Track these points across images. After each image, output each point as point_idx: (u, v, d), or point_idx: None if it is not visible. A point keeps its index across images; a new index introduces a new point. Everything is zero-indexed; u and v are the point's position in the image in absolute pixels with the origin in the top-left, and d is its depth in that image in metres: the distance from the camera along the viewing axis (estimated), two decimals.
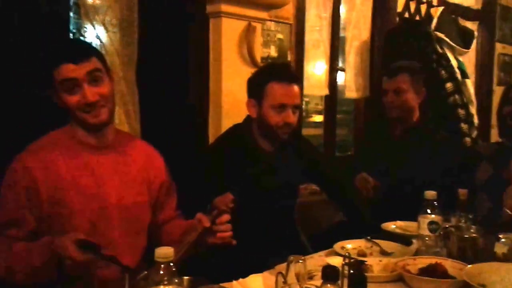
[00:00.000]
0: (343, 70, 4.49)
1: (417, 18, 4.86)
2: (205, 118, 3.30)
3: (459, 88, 4.62)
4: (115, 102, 2.07)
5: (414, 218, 2.23)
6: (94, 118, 1.94)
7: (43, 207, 1.89)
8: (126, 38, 3.07)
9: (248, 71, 2.85)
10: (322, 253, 2.28)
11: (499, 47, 6.05)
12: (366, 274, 1.71)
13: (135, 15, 3.08)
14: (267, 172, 2.56)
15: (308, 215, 3.37)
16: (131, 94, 3.08)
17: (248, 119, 2.61)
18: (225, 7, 3.17)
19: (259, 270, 1.97)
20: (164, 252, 1.32)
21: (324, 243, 2.35)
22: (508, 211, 2.40)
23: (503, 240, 2.03)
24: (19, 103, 2.61)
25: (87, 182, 1.95)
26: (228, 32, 3.24)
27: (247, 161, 2.51)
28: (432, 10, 4.93)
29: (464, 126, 4.63)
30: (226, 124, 2.99)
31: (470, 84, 4.93)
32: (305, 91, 3.98)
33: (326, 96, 4.38)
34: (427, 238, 2.13)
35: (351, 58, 4.51)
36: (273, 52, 3.73)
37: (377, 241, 2.35)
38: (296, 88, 2.51)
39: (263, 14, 3.40)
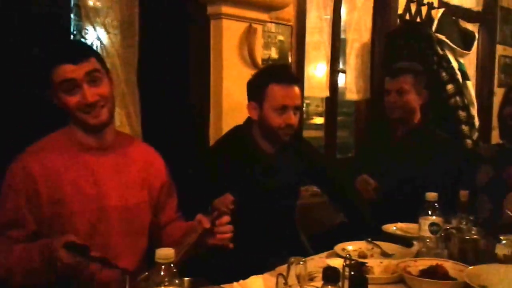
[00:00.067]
0: (343, 72, 4.49)
1: (418, 20, 4.85)
2: (205, 120, 3.30)
3: (460, 90, 4.62)
4: (114, 102, 2.07)
5: (415, 220, 2.23)
6: (94, 118, 1.94)
7: (43, 208, 1.89)
8: (127, 39, 3.08)
9: (248, 73, 2.85)
10: (322, 254, 2.28)
11: (500, 49, 6.05)
12: (366, 275, 1.71)
13: (136, 16, 3.09)
14: (268, 173, 2.56)
15: (309, 216, 3.37)
16: (132, 95, 3.09)
17: (248, 120, 2.61)
18: (225, 9, 3.17)
19: (259, 271, 1.96)
20: (165, 253, 1.32)
21: (325, 244, 2.35)
22: (509, 212, 2.40)
23: (504, 241, 2.03)
24: (20, 104, 2.61)
25: (87, 183, 1.95)
26: (228, 33, 3.24)
27: (248, 162, 2.51)
28: (433, 12, 4.93)
29: (465, 128, 4.63)
30: (227, 125, 2.99)
31: (471, 86, 4.94)
32: (306, 93, 3.98)
33: (326, 98, 4.38)
34: (428, 240, 2.13)
35: (352, 60, 4.51)
36: (273, 53, 3.73)
37: (378, 242, 2.34)
38: (296, 89, 2.51)
39: (264, 16, 3.40)
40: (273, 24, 3.70)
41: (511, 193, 2.54)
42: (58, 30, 2.82)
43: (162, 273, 1.31)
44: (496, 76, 6.04)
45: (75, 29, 2.95)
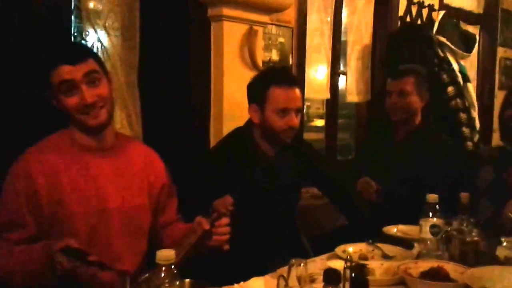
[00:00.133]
0: (344, 74, 4.49)
1: (419, 22, 4.86)
2: (206, 121, 3.30)
3: (461, 92, 4.62)
4: (113, 103, 2.07)
5: (415, 222, 2.23)
6: (93, 119, 1.94)
7: (43, 210, 1.89)
8: (128, 42, 3.08)
9: (249, 75, 2.85)
10: (323, 256, 2.28)
11: (501, 51, 6.05)
12: (367, 277, 1.71)
13: (137, 19, 3.09)
14: (268, 175, 2.56)
15: (310, 218, 3.37)
16: (132, 97, 3.09)
17: (249, 122, 2.61)
18: (226, 11, 3.17)
19: (260, 273, 1.97)
20: (166, 254, 1.32)
21: (326, 246, 2.35)
22: (510, 214, 2.39)
23: (504, 243, 2.03)
24: (20, 105, 2.61)
25: (86, 185, 1.95)
26: (229, 35, 3.24)
27: (248, 164, 2.51)
28: (434, 14, 4.94)
29: (465, 130, 4.63)
30: (228, 127, 2.99)
31: (471, 88, 4.94)
32: (307, 95, 3.98)
33: (327, 100, 4.38)
34: (428, 242, 2.13)
35: (353, 62, 4.52)
36: (274, 55, 3.74)
37: (378, 244, 2.34)
38: (297, 91, 2.51)
39: (264, 18, 3.40)
40: (274, 26, 3.70)
41: None
42: (59, 32, 2.82)
43: (162, 275, 1.31)
44: (497, 78, 6.04)
45: (76, 31, 2.96)
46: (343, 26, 4.45)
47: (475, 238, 2.11)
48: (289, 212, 2.72)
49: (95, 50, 2.93)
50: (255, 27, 3.32)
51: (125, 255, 2.00)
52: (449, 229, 2.18)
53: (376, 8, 4.60)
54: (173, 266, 1.32)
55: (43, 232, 1.90)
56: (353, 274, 1.62)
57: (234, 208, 1.97)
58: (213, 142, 3.22)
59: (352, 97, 4.54)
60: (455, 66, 4.68)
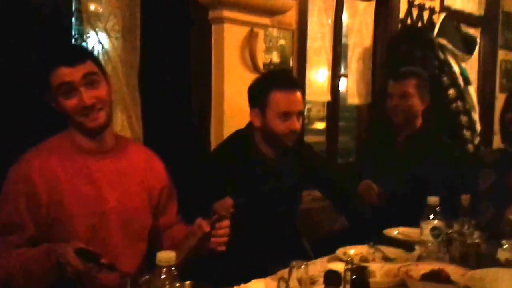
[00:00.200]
0: (345, 76, 4.49)
1: (420, 24, 4.86)
2: (207, 123, 3.30)
3: (462, 94, 4.62)
4: (112, 105, 2.07)
5: (416, 224, 2.23)
6: (92, 121, 1.94)
7: (42, 212, 1.89)
8: (129, 44, 3.08)
9: (250, 77, 2.85)
10: (324, 258, 2.28)
11: (501, 54, 6.04)
12: (368, 279, 1.71)
13: (138, 21, 3.09)
14: (269, 177, 2.55)
15: (310, 221, 3.37)
16: (133, 99, 3.09)
17: (250, 124, 2.61)
18: (227, 13, 3.17)
19: (261, 275, 1.96)
20: (166, 256, 1.32)
21: (326, 249, 2.35)
22: (511, 217, 2.39)
23: (505, 246, 2.03)
24: (20, 107, 2.61)
25: (86, 187, 1.95)
26: (230, 38, 3.24)
27: (249, 166, 2.51)
28: (434, 17, 4.93)
29: (466, 133, 4.63)
30: (228, 129, 3.00)
31: (472, 90, 4.93)
32: (307, 98, 3.98)
33: (328, 103, 4.38)
34: (429, 244, 2.13)
35: (353, 65, 4.51)
36: (275, 58, 3.73)
37: (379, 247, 2.34)
38: (298, 94, 2.51)
39: (265, 20, 3.40)
40: (274, 28, 3.70)
41: None
42: (59, 35, 2.82)
43: (163, 276, 1.31)
44: (497, 81, 6.03)
45: (76, 33, 2.96)
46: (344, 29, 4.44)
47: (476, 241, 2.11)
48: (290, 215, 2.71)
49: (96, 52, 2.93)
50: (256, 30, 3.32)
51: (125, 257, 1.99)
52: (450, 231, 2.18)
53: (376, 10, 4.60)
54: (173, 268, 1.32)
55: (42, 234, 1.90)
56: (353, 276, 1.63)
57: (235, 210, 1.96)
58: (213, 144, 3.22)
59: (353, 100, 4.54)
60: (456, 69, 4.67)
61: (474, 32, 5.55)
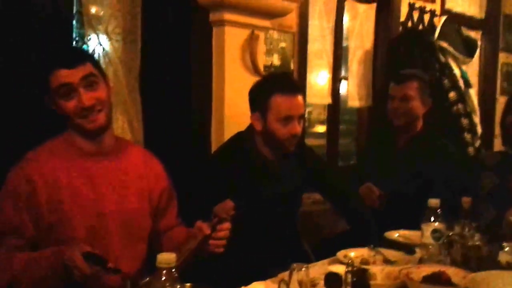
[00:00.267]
0: (346, 79, 4.49)
1: (420, 27, 4.86)
2: (207, 126, 3.30)
3: (462, 97, 4.62)
4: (111, 107, 2.07)
5: (417, 227, 2.23)
6: (91, 123, 1.95)
7: (42, 214, 1.88)
8: (129, 46, 3.08)
9: (251, 80, 2.85)
10: (325, 261, 2.27)
11: (502, 57, 6.04)
12: (369, 282, 1.71)
13: (138, 23, 3.09)
14: (270, 180, 2.55)
15: (311, 223, 3.37)
16: (134, 102, 3.09)
17: (250, 127, 2.60)
18: (228, 16, 3.18)
19: (261, 277, 1.96)
20: (166, 258, 1.31)
21: (327, 251, 2.34)
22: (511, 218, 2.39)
23: (506, 248, 2.03)
24: (20, 108, 2.61)
25: (85, 189, 1.95)
26: (231, 40, 3.24)
27: (250, 169, 2.50)
28: (435, 20, 4.94)
29: (467, 135, 4.63)
30: (229, 132, 2.99)
31: (473, 93, 4.93)
32: (308, 100, 3.98)
33: (329, 105, 4.38)
34: (430, 246, 2.12)
35: (354, 67, 4.52)
36: (276, 60, 3.74)
37: (380, 249, 2.33)
38: (299, 98, 2.50)
39: (266, 23, 3.41)
40: (275, 31, 3.71)
41: None
42: (60, 37, 2.82)
43: (163, 278, 1.30)
44: (498, 83, 6.03)
45: (77, 36, 2.96)
46: (344, 32, 4.45)
47: (477, 243, 2.11)
48: (290, 217, 2.71)
49: (96, 55, 2.93)
50: (256, 32, 3.32)
51: (124, 259, 1.99)
52: (451, 234, 2.17)
53: (377, 13, 4.61)
54: (173, 270, 1.32)
55: (42, 236, 1.90)
56: (354, 279, 1.62)
57: (235, 213, 1.96)
58: (214, 146, 3.22)
59: (354, 102, 4.54)
60: (457, 72, 4.67)
61: (475, 35, 5.55)
